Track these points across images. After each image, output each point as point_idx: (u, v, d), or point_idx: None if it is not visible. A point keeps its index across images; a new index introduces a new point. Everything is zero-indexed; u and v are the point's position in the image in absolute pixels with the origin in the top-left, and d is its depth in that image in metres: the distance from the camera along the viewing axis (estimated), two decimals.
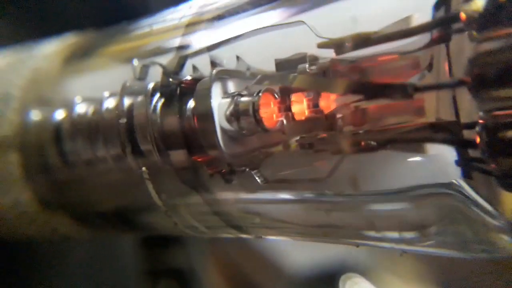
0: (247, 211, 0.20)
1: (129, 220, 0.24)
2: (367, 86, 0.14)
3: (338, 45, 0.15)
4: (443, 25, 0.13)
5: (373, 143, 0.14)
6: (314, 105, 0.16)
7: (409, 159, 0.15)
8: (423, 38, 0.13)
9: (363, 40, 0.14)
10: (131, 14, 0.23)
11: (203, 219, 0.20)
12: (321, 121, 0.16)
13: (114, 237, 0.33)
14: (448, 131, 0.13)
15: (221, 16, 0.19)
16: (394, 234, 0.15)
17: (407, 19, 0.14)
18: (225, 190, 0.19)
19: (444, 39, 0.13)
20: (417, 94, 0.13)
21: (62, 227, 0.27)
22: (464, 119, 0.13)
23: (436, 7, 0.13)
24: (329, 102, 0.16)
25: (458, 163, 0.13)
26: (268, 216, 0.19)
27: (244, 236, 0.21)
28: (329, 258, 0.36)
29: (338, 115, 0.15)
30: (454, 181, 0.13)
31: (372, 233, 0.15)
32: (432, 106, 0.13)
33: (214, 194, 0.19)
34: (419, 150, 0.15)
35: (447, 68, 0.13)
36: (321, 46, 0.15)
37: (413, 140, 0.14)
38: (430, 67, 0.13)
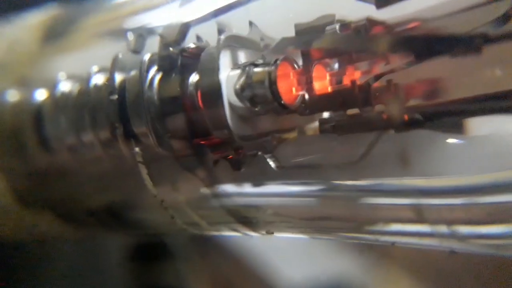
0: (258, 203, 0.17)
1: (119, 215, 0.21)
2: (419, 40, 0.11)
3: None
4: None
5: (419, 117, 0.12)
6: (342, 77, 0.14)
7: (457, 140, 0.13)
8: None
9: None
10: None
11: (205, 213, 0.18)
12: (353, 94, 0.13)
13: (100, 249, 0.31)
14: None
15: None
16: (444, 229, 0.13)
17: None
18: (233, 179, 0.17)
19: None
20: (488, 49, 0.10)
21: (43, 224, 0.24)
22: None
23: None
24: (359, 72, 0.14)
25: None
26: (284, 209, 0.17)
27: (252, 233, 0.18)
28: (324, 276, 0.35)
29: (375, 86, 0.13)
30: None
31: (419, 228, 0.13)
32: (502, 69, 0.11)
33: (220, 182, 0.17)
34: (471, 130, 0.12)
35: None
36: None
37: (477, 112, 0.12)
38: (504, 19, 0.11)
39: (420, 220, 0.13)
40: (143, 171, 0.17)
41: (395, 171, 0.13)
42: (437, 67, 0.12)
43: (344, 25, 0.13)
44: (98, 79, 0.19)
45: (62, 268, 0.30)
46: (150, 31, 0.18)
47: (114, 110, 0.18)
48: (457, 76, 0.12)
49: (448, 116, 0.12)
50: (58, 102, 0.20)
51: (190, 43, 0.17)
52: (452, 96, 0.12)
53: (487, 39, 0.10)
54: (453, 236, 0.12)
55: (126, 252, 0.32)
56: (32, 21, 0.23)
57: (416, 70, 0.12)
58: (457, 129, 0.13)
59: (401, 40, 0.12)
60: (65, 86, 0.20)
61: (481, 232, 0.12)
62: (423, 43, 0.11)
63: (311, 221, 0.17)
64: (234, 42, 0.16)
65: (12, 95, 0.22)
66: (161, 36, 0.17)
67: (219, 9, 0.16)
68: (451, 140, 0.13)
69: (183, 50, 0.17)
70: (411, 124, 0.12)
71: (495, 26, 0.11)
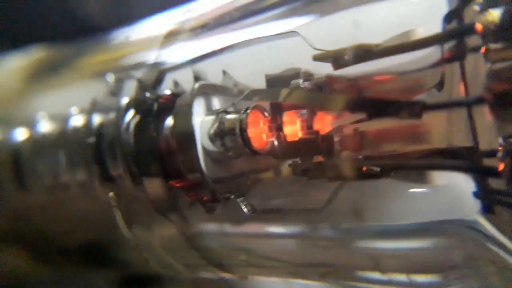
0: (232, 246, 0.18)
1: (94, 256, 0.22)
2: (370, 103, 0.13)
3: (335, 57, 0.14)
4: (457, 37, 0.12)
5: (376, 169, 0.13)
6: (308, 126, 0.16)
7: (416, 190, 0.14)
8: (432, 52, 0.13)
9: (364, 53, 0.13)
10: (105, 25, 0.22)
11: (179, 256, 0.19)
12: (317, 143, 0.15)
13: (83, 276, 0.31)
14: (463, 158, 0.12)
15: (205, 26, 0.18)
16: (403, 277, 0.14)
17: (413, 31, 0.13)
18: (206, 221, 0.18)
19: (458, 53, 0.12)
20: (427, 114, 0.12)
21: (18, 264, 0.25)
22: (484, 144, 0.12)
23: (448, 18, 0.12)
24: (324, 123, 0.15)
25: (476, 195, 0.12)
26: (256, 252, 0.18)
27: (226, 276, 0.19)
28: None
29: (337, 137, 0.14)
30: (470, 216, 0.12)
31: (376, 275, 0.14)
32: (444, 129, 0.12)
33: (194, 225, 0.18)
34: (428, 180, 0.14)
35: (462, 86, 0.12)
36: (316, 58, 0.14)
37: (421, 167, 0.13)
38: (440, 85, 0.12)
39: (377, 268, 0.14)
40: (118, 215, 0.18)
41: (352, 219, 0.14)
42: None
43: (307, 79, 0.15)
44: (77, 121, 0.20)
45: None
46: (129, 75, 0.20)
47: (91, 153, 0.19)
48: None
49: (405, 168, 0.13)
50: (37, 143, 0.21)
51: (166, 88, 0.18)
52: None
53: (426, 106, 0.12)
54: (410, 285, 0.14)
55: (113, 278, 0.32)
56: (16, 64, 0.24)
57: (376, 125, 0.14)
58: (426, 177, 0.14)
59: (355, 100, 0.13)
60: (44, 127, 0.22)
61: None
62: (373, 105, 0.13)
63: (284, 265, 0.18)
64: (208, 90, 0.17)
65: None
66: (139, 81, 0.19)
67: (194, 58, 0.18)
68: (418, 189, 0.14)
69: (159, 96, 0.18)
70: (368, 175, 0.13)
71: (433, 92, 0.12)
